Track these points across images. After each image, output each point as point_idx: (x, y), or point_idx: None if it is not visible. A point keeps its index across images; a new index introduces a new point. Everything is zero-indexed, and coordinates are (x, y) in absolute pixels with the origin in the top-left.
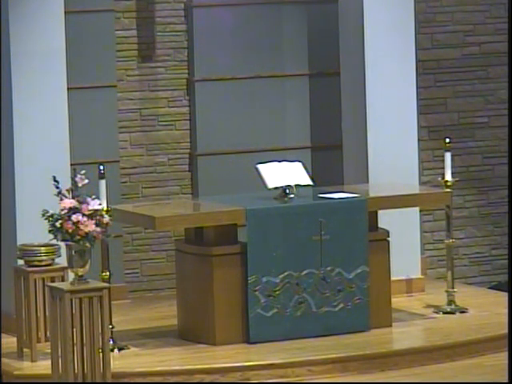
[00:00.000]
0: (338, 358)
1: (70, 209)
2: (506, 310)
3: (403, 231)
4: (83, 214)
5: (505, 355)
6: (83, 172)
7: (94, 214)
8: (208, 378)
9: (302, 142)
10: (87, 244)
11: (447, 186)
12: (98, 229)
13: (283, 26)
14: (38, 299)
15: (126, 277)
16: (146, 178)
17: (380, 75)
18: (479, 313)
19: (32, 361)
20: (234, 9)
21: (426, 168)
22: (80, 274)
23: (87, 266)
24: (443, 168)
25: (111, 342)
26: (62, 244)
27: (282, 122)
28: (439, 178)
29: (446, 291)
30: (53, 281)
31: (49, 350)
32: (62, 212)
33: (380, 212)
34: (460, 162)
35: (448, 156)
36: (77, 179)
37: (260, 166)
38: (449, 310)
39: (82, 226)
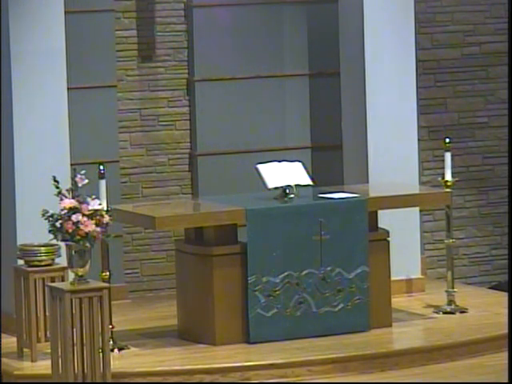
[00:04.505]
0: (338, 358)
1: (70, 209)
2: (505, 310)
3: (403, 231)
4: (83, 214)
5: (505, 355)
6: (83, 172)
7: (94, 214)
8: (208, 378)
9: (302, 142)
10: (87, 244)
11: (447, 186)
12: (98, 229)
13: (283, 26)
14: (38, 299)
15: (126, 277)
16: (146, 178)
17: (380, 75)
18: (479, 313)
19: (32, 361)
20: (233, 9)
21: (425, 168)
22: (80, 274)
23: (87, 266)
24: (443, 168)
25: (111, 342)
26: (62, 244)
27: (282, 122)
28: (439, 178)
29: (446, 291)
30: (53, 281)
31: (49, 350)
32: (62, 212)
33: (380, 212)
34: (460, 161)
35: (448, 156)
36: (77, 179)
37: (260, 166)
38: (449, 310)
39: (82, 226)
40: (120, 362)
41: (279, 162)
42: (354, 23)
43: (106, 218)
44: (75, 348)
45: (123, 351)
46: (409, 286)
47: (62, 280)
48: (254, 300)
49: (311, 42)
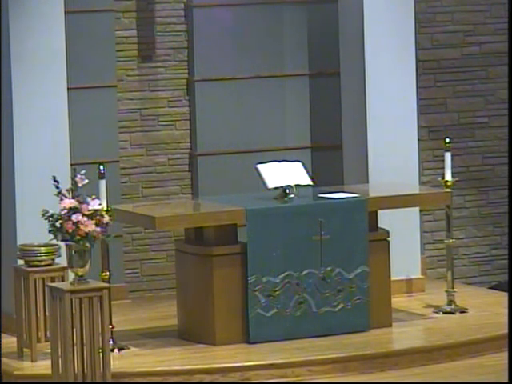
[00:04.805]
0: (338, 358)
1: (70, 209)
2: (505, 310)
3: (403, 231)
4: (83, 214)
5: (505, 355)
6: (83, 172)
7: (94, 214)
8: (208, 378)
9: (302, 142)
10: (87, 244)
11: (447, 186)
12: (98, 229)
13: (283, 26)
14: (38, 299)
15: (126, 277)
16: (146, 178)
17: (380, 75)
18: (479, 313)
19: (32, 361)
20: (234, 9)
21: (425, 168)
22: (80, 274)
23: (87, 266)
24: (443, 168)
25: (111, 342)
26: (62, 244)
27: (282, 122)
28: (439, 178)
29: (446, 291)
30: (53, 281)
31: (49, 350)
32: (62, 212)
33: (380, 212)
34: (460, 161)
35: (448, 156)
36: (77, 179)
37: (260, 166)
38: (449, 310)
39: (82, 226)
40: (120, 361)
41: (279, 161)
42: (353, 23)
43: (106, 218)
44: (75, 348)
45: (123, 351)
46: (409, 286)
47: (62, 280)
48: (254, 300)
49: (311, 42)
